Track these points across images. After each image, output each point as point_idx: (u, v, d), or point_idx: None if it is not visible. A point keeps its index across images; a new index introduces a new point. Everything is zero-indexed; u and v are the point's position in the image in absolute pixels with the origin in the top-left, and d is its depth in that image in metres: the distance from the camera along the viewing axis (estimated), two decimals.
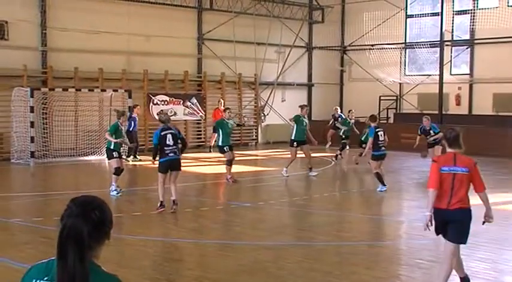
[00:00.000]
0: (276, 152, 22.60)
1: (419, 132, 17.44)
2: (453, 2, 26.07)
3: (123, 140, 13.39)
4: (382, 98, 28.35)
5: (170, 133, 11.08)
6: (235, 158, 15.72)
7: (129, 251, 8.58)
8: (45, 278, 2.64)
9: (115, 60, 22.04)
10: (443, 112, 24.77)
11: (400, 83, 28.08)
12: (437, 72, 24.85)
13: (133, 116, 19.55)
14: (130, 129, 19.22)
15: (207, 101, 24.63)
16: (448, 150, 6.45)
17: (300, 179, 16.16)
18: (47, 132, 19.87)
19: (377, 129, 13.67)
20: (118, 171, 12.95)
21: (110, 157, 13.25)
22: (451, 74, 26.31)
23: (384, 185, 13.63)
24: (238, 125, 18.59)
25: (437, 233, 6.52)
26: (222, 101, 23.22)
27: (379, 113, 28.03)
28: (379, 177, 13.64)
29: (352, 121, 20.68)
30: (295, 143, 15.99)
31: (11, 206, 12.42)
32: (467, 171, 6.27)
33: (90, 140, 20.55)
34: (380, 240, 9.47)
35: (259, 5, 25.99)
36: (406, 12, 27.82)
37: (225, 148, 14.92)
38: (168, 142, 11.00)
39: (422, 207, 12.54)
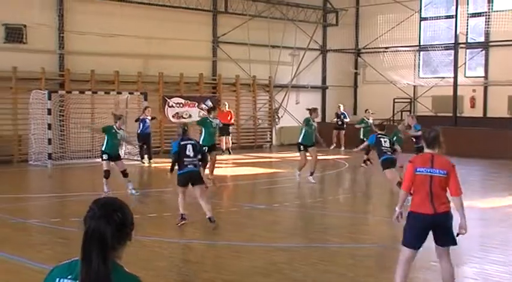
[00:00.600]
0: (290, 154, 22.55)
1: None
2: (468, 4, 25.92)
3: (128, 140, 13.36)
4: (396, 100, 28.25)
5: (190, 144, 10.31)
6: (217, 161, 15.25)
7: (144, 252, 8.62)
8: (69, 277, 2.68)
9: (131, 63, 22.18)
10: (458, 114, 24.64)
11: (414, 86, 27.96)
12: (452, 75, 24.73)
13: (142, 117, 19.41)
14: (139, 131, 19.29)
15: (222, 103, 24.67)
16: (426, 150, 6.17)
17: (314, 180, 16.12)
18: (64, 134, 20.03)
19: (379, 136, 12.85)
20: (106, 174, 12.85)
21: (101, 158, 13.15)
22: (465, 77, 26.15)
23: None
24: (225, 125, 17.71)
25: (413, 246, 6.10)
26: (227, 104, 23.15)
27: (393, 115, 27.94)
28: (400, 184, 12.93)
29: (370, 121, 20.08)
30: (301, 146, 15.13)
31: (29, 207, 12.54)
32: (445, 173, 5.98)
33: None
34: (395, 243, 9.43)
35: (274, 8, 26.02)
36: (420, 15, 27.70)
37: (204, 148, 14.31)
38: (188, 152, 10.19)
39: None
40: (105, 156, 12.98)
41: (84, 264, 2.57)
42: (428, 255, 8.52)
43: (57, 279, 2.70)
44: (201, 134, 14.56)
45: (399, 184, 12.48)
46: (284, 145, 26.33)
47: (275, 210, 12.14)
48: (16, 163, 19.41)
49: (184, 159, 10.18)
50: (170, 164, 10.35)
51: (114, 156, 13.18)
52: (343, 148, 23.66)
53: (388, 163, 12.53)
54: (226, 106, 22.83)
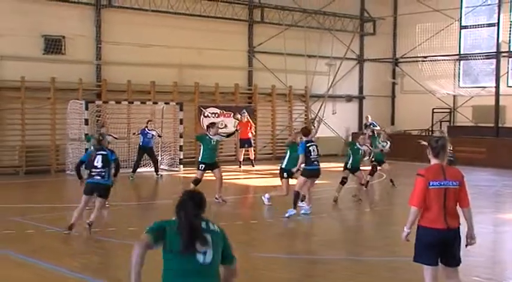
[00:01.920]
0: (327, 165, 22.42)
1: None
2: (510, 12, 25.50)
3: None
4: (435, 110, 27.91)
5: (101, 154, 10.32)
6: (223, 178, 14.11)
7: None
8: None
9: (167, 73, 22.44)
10: (500, 125, 24.20)
11: (454, 95, 27.58)
12: (494, 84, 24.32)
13: (145, 131, 18.68)
14: (140, 143, 18.62)
15: (258, 113, 24.77)
16: (434, 161, 5.81)
17: (350, 192, 16.01)
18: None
19: (308, 144, 12.18)
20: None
21: None
22: (508, 86, 25.70)
23: (295, 209, 11.84)
24: (228, 136, 16.40)
25: (428, 262, 5.79)
26: (246, 113, 23.06)
27: (432, 125, 27.60)
28: (296, 197, 11.95)
29: (381, 142, 16.97)
30: (285, 173, 13.01)
31: (66, 216, 12.72)
32: (458, 184, 5.73)
33: None
34: None
35: (310, 18, 26.04)
36: (461, 23, 27.36)
37: (200, 166, 13.63)
38: (96, 163, 10.23)
39: (477, 222, 12.26)
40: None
41: (180, 222, 4.19)
42: (469, 270, 8.37)
43: (166, 226, 4.23)
44: (200, 149, 14.06)
45: (296, 193, 11.94)
46: (320, 156, 26.17)
47: (311, 221, 12.09)
48: (54, 173, 19.78)
49: (92, 170, 10.23)
50: (76, 171, 10.72)
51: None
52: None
53: (314, 175, 12.23)
54: (246, 116, 22.64)
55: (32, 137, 19.79)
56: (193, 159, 22.16)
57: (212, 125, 14.35)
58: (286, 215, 11.88)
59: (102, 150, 10.41)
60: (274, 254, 9.32)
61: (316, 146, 12.31)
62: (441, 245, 5.75)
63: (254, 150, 23.04)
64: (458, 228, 5.81)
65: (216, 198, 13.60)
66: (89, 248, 9.67)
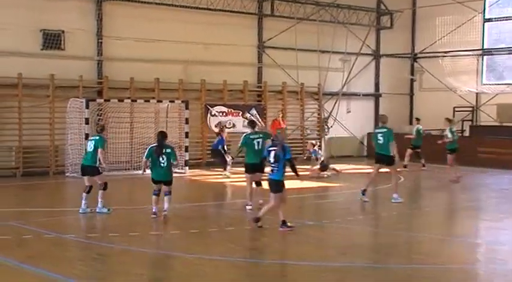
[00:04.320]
0: (341, 167, 22.35)
1: None
2: None
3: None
4: (456, 109, 27.75)
5: (273, 150, 11.10)
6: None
7: (185, 269, 8.65)
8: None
9: (172, 70, 22.45)
10: None
11: (476, 93, 27.43)
12: None
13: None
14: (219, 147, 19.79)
15: (268, 112, 24.72)
16: None
17: (366, 196, 15.90)
18: None
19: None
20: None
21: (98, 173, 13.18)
22: None
23: None
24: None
25: None
26: (281, 113, 23.31)
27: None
28: None
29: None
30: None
31: (66, 220, 12.75)
32: None
33: None
34: (455, 264, 9.22)
35: (323, 11, 25.97)
36: (484, 16, 27.21)
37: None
38: (270, 158, 11.13)
39: (503, 228, 12.16)
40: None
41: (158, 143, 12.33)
42: (493, 279, 8.24)
43: (149, 152, 12.29)
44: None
45: None
46: (334, 157, 26.11)
47: (325, 226, 12.04)
48: (52, 175, 19.81)
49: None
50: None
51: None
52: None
53: None
54: (282, 115, 23.76)
55: (29, 137, 19.84)
56: (200, 160, 22.22)
57: (253, 124, 14.12)
58: None
59: (274, 146, 11.23)
60: (286, 260, 9.27)
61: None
62: None
63: None
64: None
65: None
66: (89, 254, 9.64)
